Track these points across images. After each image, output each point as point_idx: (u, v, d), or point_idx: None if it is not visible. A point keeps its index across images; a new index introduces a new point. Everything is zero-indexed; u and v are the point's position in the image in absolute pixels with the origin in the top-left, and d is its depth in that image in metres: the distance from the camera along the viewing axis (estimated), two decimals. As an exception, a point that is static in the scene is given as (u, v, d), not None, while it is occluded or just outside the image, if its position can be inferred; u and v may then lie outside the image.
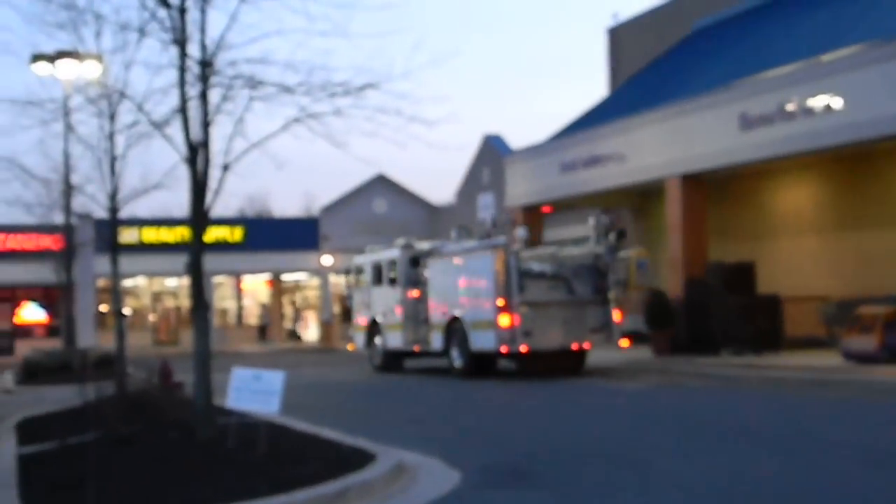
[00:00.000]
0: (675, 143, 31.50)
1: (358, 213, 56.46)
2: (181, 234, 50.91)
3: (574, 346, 26.16)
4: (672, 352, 30.16)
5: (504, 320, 25.25)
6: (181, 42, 12.52)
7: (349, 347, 35.28)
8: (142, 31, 13.44)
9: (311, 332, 57.98)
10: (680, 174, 31.22)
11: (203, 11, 12.53)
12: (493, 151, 48.67)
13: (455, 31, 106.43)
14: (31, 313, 52.99)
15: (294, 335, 58.54)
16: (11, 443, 14.66)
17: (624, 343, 26.37)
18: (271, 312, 57.92)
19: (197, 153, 12.50)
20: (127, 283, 50.86)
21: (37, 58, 28.77)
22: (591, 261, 26.74)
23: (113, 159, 18.69)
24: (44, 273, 38.84)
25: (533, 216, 39.76)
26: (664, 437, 13.94)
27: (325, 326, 54.63)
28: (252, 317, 59.53)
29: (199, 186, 12.51)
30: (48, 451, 13.21)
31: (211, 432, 12.08)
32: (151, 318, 56.80)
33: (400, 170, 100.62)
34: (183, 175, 16.13)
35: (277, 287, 59.10)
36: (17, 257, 47.83)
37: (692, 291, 30.57)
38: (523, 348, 25.21)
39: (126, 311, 48.91)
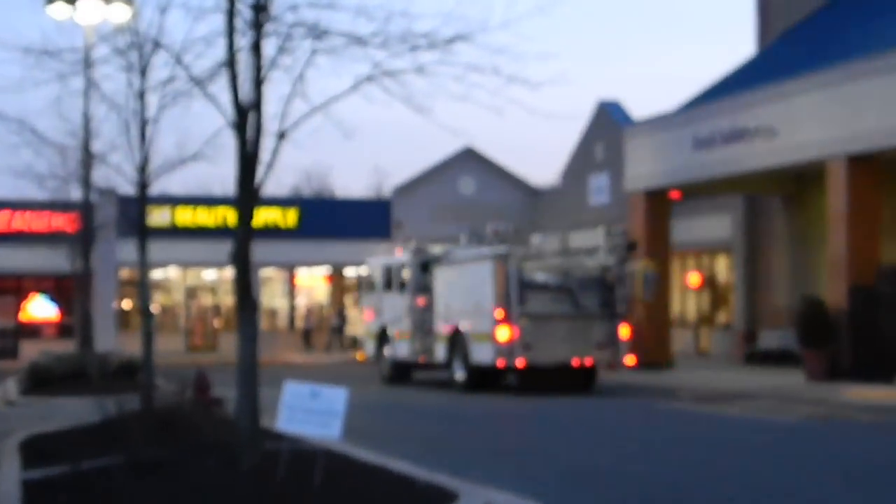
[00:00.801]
0: (840, 115, 31.04)
1: (440, 194, 56.48)
2: (223, 216, 51.54)
3: (575, 362, 29.44)
4: (830, 377, 29.77)
5: (502, 333, 28.73)
6: (230, -21, 12.65)
7: (359, 357, 39.47)
8: (182, -33, 13.59)
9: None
10: (845, 154, 30.74)
11: (255, -58, 12.64)
12: (609, 122, 48.33)
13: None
14: (39, 309, 54.01)
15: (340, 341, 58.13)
16: (15, 466, 14.93)
17: (629, 360, 29.65)
18: (313, 315, 58.09)
19: (246, 117, 12.61)
20: (156, 274, 51.60)
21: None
22: (599, 273, 30.22)
23: (143, 123, 18.97)
24: (56, 260, 39.62)
25: (658, 203, 39.40)
26: (834, 493, 13.70)
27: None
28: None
29: (247, 158, 12.62)
30: (59, 476, 13.44)
31: (257, 459, 12.17)
32: (184, 318, 57.57)
33: (493, 143, 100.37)
34: (228, 144, 16.33)
35: (339, 283, 59.40)
36: (24, 240, 48.79)
37: (858, 301, 30.13)
38: (520, 363, 28.65)
39: (154, 308, 49.65)
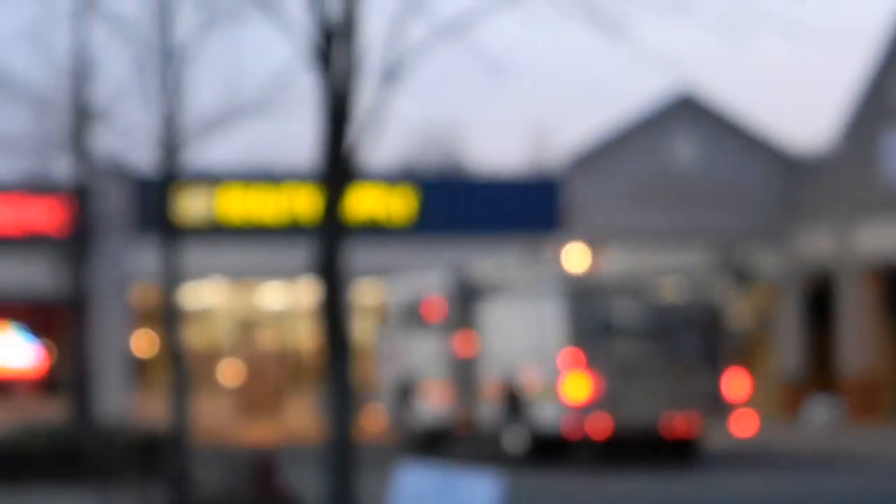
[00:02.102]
0: None
1: (640, 168, 56.22)
2: (291, 202, 51.99)
3: (668, 428, 32.89)
4: None
5: (573, 387, 31.97)
6: None
7: (367, 424, 41.38)
8: None
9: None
10: None
11: None
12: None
13: None
14: (8, 351, 54.95)
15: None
16: None
17: (743, 427, 33.57)
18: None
19: (333, 46, 12.79)
20: (190, 295, 52.25)
21: None
22: (698, 308, 34.09)
23: (169, 58, 19.31)
24: (33, 274, 40.32)
25: None
26: None
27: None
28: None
29: (337, 110, 12.80)
30: None
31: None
32: (236, 367, 58.17)
33: (725, 86, 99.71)
34: (304, 89, 16.53)
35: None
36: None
37: None
38: (600, 428, 31.88)
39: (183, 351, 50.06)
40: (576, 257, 39.64)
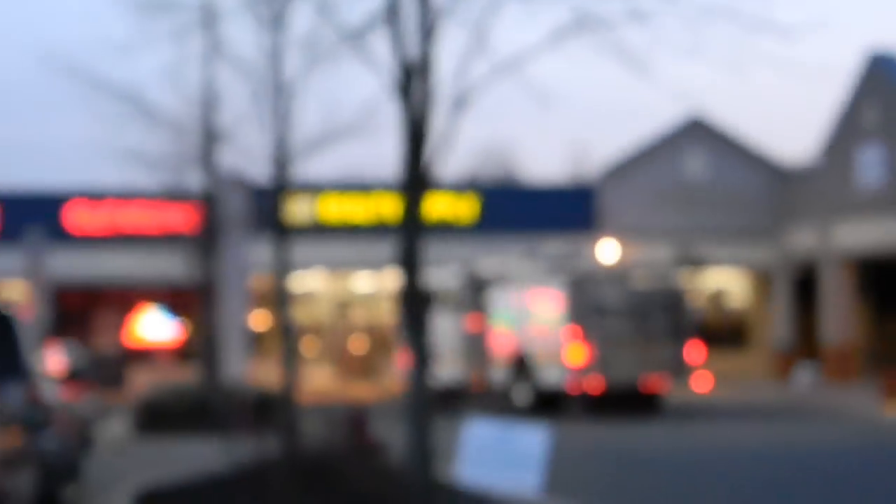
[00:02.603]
0: None
1: (659, 178, 56.02)
2: (379, 207, 51.98)
3: (646, 386, 36.51)
4: None
5: (576, 356, 35.14)
6: None
7: (391, 386, 44.00)
8: None
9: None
10: None
11: None
12: (882, 79, 47.45)
13: None
14: (151, 328, 55.19)
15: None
16: (127, 526, 15.37)
17: (701, 385, 36.93)
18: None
19: (412, 80, 12.74)
20: (297, 282, 52.28)
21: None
22: (665, 293, 37.13)
23: (279, 91, 19.28)
24: (171, 266, 40.40)
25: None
26: None
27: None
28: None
29: (415, 132, 12.74)
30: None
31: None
32: (333, 338, 58.15)
33: (729, 110, 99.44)
34: (388, 116, 16.49)
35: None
36: (132, 241, 49.88)
37: None
38: (594, 387, 35.26)
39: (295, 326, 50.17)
40: (608, 251, 41.71)
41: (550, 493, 12.13)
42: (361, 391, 45.69)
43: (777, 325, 55.90)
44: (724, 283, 59.25)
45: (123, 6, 19.74)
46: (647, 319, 36.12)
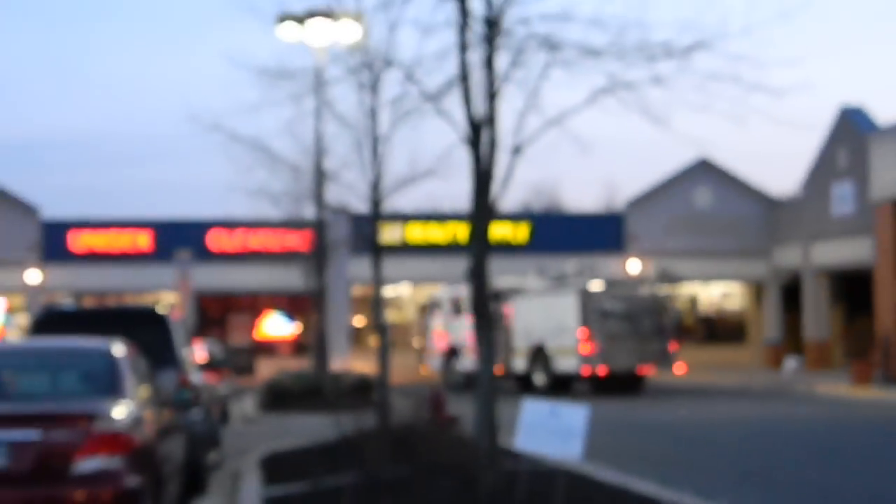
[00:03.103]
0: None
1: (674, 207, 55.80)
2: (453, 232, 51.99)
3: (640, 371, 38.61)
4: None
5: (586, 347, 37.10)
6: (461, -5, 12.78)
7: (422, 370, 47.29)
8: (411, -17, 13.80)
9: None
10: None
11: (488, -45, 12.77)
12: (852, 129, 47.03)
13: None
14: (275, 326, 55.49)
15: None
16: (255, 483, 15.37)
17: (679, 369, 39.15)
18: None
19: (480, 132, 12.71)
20: (388, 291, 52.33)
21: (284, 19, 29.87)
22: (651, 301, 39.10)
23: (375, 141, 19.30)
24: (290, 278, 40.54)
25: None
26: None
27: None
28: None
29: (482, 174, 12.71)
30: (299, 494, 13.75)
31: (496, 480, 12.20)
32: (416, 335, 58.13)
33: (729, 153, 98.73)
34: (460, 160, 16.48)
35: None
36: (259, 259, 50.09)
37: None
38: (602, 371, 37.17)
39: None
40: (634, 266, 43.10)
41: (589, 459, 12.05)
42: (440, 377, 45.60)
43: (768, 325, 55.59)
44: (726, 291, 58.94)
45: (253, 75, 19.78)
46: (638, 321, 38.12)
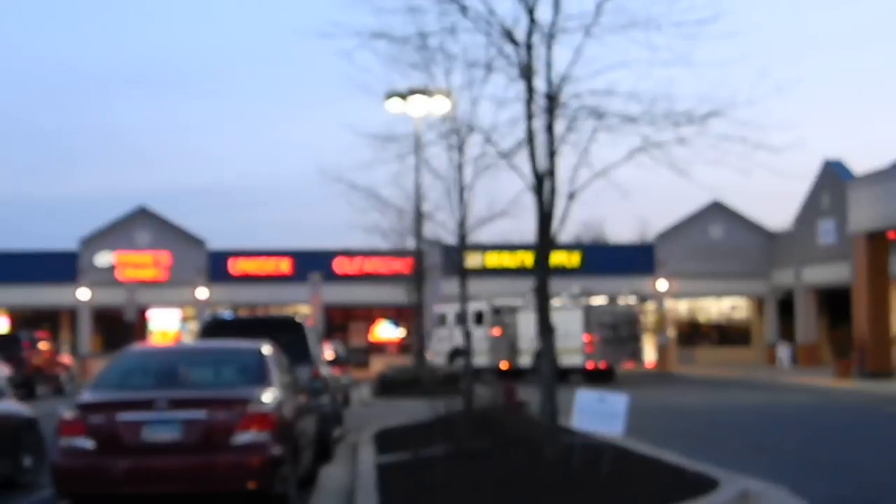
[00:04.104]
0: None
1: (693, 239, 55.38)
2: (521, 259, 51.88)
3: (623, 365, 41.55)
4: None
5: (588, 348, 39.45)
6: (527, 76, 12.74)
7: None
8: (489, 68, 13.74)
9: (647, 354, 57.58)
10: None
11: (549, 47, 12.71)
12: (833, 177, 46.47)
13: (800, 56, 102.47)
14: (384, 331, 55.70)
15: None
16: (370, 452, 15.39)
17: (649, 365, 45.00)
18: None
19: (543, 182, 12.67)
20: (471, 304, 52.27)
21: (391, 95, 30.03)
22: (628, 313, 41.16)
23: (461, 189, 19.29)
24: (396, 294, 40.72)
25: (877, 243, 38.07)
26: None
27: (661, 349, 53.91)
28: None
29: (545, 214, 12.67)
30: (402, 461, 13.74)
31: (556, 451, 12.13)
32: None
33: (736, 195, 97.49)
34: (527, 203, 16.46)
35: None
36: (372, 280, 50.39)
37: None
38: (601, 365, 39.54)
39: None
40: (658, 286, 43.64)
41: (629, 435, 11.93)
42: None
43: (768, 331, 54.86)
44: (734, 304, 58.21)
45: (367, 139, 19.86)
46: (620, 328, 40.19)
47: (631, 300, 41.98)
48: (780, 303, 54.13)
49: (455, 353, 42.47)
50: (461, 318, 42.69)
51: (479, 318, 43.68)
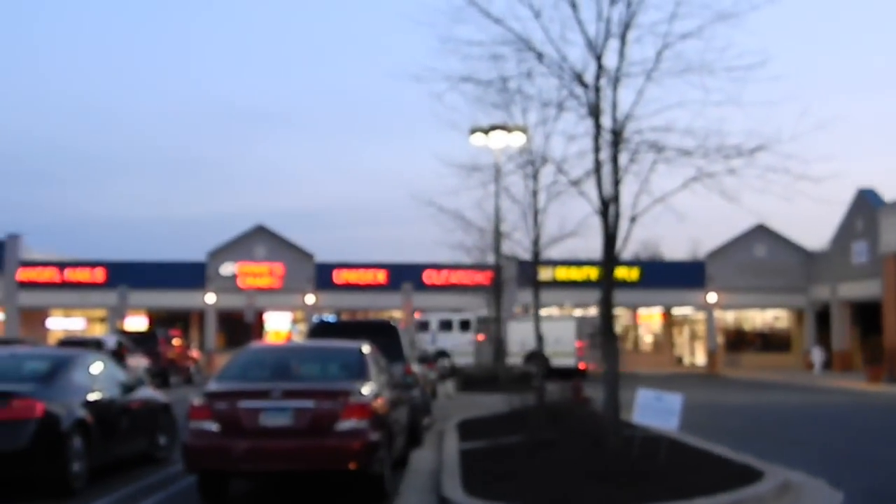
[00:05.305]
0: None
1: (739, 257, 54.40)
2: (586, 273, 51.44)
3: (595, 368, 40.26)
4: None
5: (580, 352, 40.29)
6: (595, 115, 12.65)
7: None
8: (561, 107, 13.65)
9: (698, 358, 56.83)
10: None
11: (614, 89, 12.63)
12: (866, 203, 45.38)
13: (841, 96, 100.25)
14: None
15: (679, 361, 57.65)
16: (455, 439, 15.37)
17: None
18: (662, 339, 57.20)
19: (608, 207, 12.56)
20: (542, 312, 51.94)
21: (475, 131, 30.09)
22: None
23: (535, 212, 19.17)
24: (477, 303, 40.64)
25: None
26: None
27: (711, 354, 53.19)
28: (645, 343, 59.06)
29: (610, 235, 12.55)
30: (482, 447, 13.71)
31: (618, 443, 12.00)
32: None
33: (778, 218, 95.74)
34: (593, 225, 16.30)
35: (668, 319, 58.31)
36: (456, 290, 50.42)
37: None
38: (588, 367, 39.80)
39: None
40: (708, 298, 42.60)
41: (683, 430, 11.74)
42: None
43: (806, 339, 53.64)
44: (776, 315, 57.02)
45: (454, 169, 19.87)
46: (596, 336, 40.56)
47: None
48: (818, 314, 52.95)
49: (442, 355, 43.03)
50: (444, 326, 45.77)
51: (465, 325, 45.29)
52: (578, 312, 57.60)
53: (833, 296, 49.72)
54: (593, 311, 42.43)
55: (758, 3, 12.42)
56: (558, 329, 41.02)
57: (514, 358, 39.84)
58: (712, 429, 18.21)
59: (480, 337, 43.40)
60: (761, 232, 54.33)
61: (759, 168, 12.32)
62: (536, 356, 38.47)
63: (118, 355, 29.85)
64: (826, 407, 25.60)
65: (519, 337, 40.96)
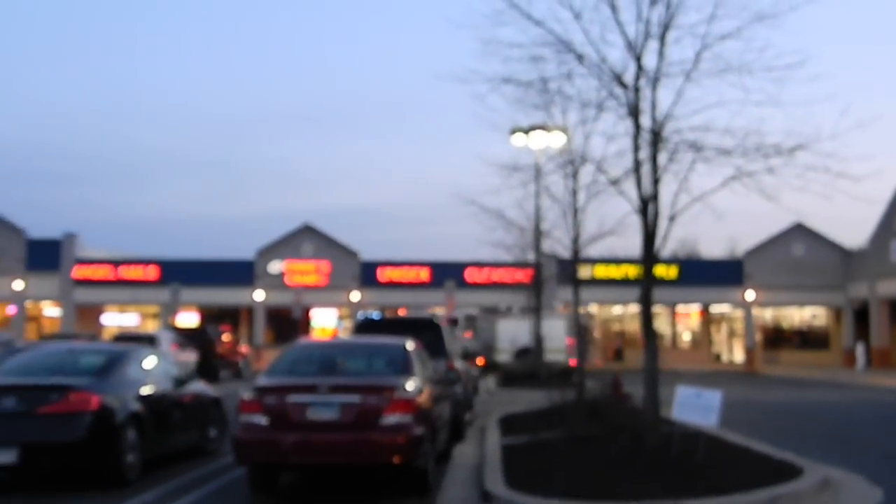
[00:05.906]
0: None
1: (777, 255, 53.75)
2: (625, 271, 51.15)
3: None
4: None
5: (571, 349, 38.73)
6: (635, 115, 12.56)
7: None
8: (600, 107, 13.57)
9: (736, 356, 56.26)
10: None
11: (653, 90, 12.53)
12: (905, 201, 44.71)
13: (881, 94, 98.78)
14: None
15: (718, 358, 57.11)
16: (496, 434, 15.33)
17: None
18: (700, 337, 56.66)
19: (647, 206, 12.47)
20: (582, 309, 51.81)
21: (515, 131, 29.97)
22: (586, 324, 43.30)
23: (575, 211, 19.14)
24: (518, 300, 40.54)
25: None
26: None
27: (749, 352, 52.59)
28: (682, 341, 58.55)
29: (649, 233, 12.46)
30: (523, 442, 13.66)
31: (657, 439, 11.89)
32: (600, 338, 57.42)
33: (817, 216, 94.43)
34: (632, 224, 16.20)
35: (706, 316, 57.76)
36: (498, 287, 50.38)
37: None
38: (577, 362, 39.32)
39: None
40: (746, 296, 41.71)
41: (722, 426, 11.60)
42: (615, 367, 44.82)
43: (845, 337, 52.87)
44: (815, 313, 56.28)
45: (495, 169, 19.86)
46: (583, 335, 41.35)
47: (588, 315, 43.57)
48: (856, 312, 52.18)
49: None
50: (454, 324, 47.10)
51: (453, 324, 45.65)
52: (618, 310, 57.67)
53: (871, 293, 48.98)
54: (582, 311, 42.75)
55: (797, 3, 12.28)
56: (549, 327, 40.99)
57: (504, 354, 40.07)
58: (752, 425, 17.98)
59: (468, 334, 43.36)
60: (799, 230, 53.62)
61: (798, 167, 12.16)
62: (527, 352, 38.95)
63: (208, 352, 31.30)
64: (865, 404, 25.18)
65: (509, 334, 41.12)
